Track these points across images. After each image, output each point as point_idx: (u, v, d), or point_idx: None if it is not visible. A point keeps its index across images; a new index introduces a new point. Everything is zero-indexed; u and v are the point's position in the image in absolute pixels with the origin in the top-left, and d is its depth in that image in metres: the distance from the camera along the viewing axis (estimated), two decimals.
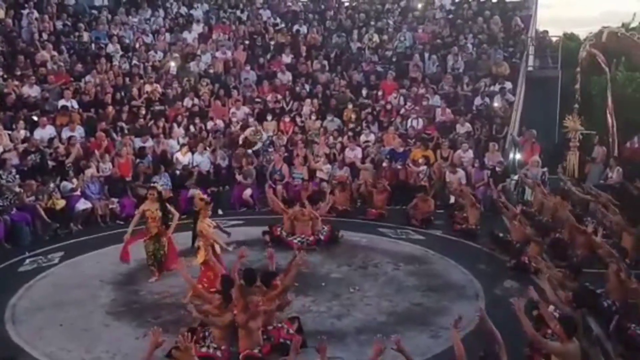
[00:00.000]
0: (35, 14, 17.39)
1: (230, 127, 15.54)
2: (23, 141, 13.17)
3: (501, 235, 10.85)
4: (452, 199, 13.53)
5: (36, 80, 15.11)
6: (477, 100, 16.33)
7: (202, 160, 14.27)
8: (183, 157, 14.16)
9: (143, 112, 15.22)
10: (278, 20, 20.52)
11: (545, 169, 13.95)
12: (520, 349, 6.53)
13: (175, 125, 15.23)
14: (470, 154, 14.41)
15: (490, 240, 10.92)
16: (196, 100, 16.23)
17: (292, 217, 11.34)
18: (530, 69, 19.23)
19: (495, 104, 15.89)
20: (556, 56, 19.82)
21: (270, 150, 14.93)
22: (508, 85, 16.68)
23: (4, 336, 7.51)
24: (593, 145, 14.84)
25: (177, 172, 13.71)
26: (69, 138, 13.57)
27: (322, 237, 11.15)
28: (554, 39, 21.09)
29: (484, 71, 17.47)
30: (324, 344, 5.29)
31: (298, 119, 16.20)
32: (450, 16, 20.44)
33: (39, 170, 12.53)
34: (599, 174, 13.96)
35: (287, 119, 15.90)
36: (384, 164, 14.34)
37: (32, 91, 14.81)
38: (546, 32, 20.66)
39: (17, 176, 11.99)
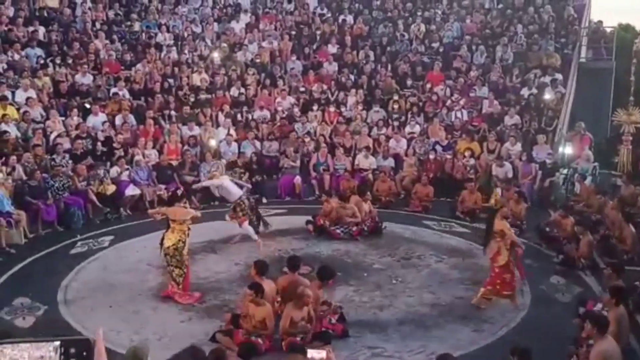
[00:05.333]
0: (89, 4, 17.85)
1: (276, 116, 15.63)
2: (76, 128, 13.58)
3: (548, 230, 10.64)
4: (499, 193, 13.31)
5: (89, 69, 15.54)
6: (525, 91, 16.00)
7: (248, 149, 14.39)
8: (229, 146, 14.32)
9: (191, 100, 15.45)
10: (325, 10, 20.48)
11: (596, 164, 13.57)
12: (564, 347, 6.43)
13: (220, 114, 15.41)
14: (518, 147, 14.10)
15: (537, 235, 10.73)
16: (242, 90, 16.40)
17: (331, 210, 11.32)
18: (582, 60, 18.68)
19: (547, 97, 15.48)
20: (610, 47, 19.17)
21: (307, 140, 14.89)
22: (559, 77, 16.26)
23: (57, 316, 7.81)
24: None
25: (224, 160, 13.89)
26: (122, 124, 13.95)
27: (366, 228, 11.16)
28: (608, 30, 20.39)
29: (534, 62, 17.06)
30: None
31: (343, 109, 16.18)
32: (500, 6, 20.01)
33: (90, 156, 12.92)
34: None
35: (331, 109, 15.90)
36: (431, 156, 14.17)
37: (85, 79, 15.24)
38: (600, 22, 19.99)
39: (70, 161, 12.40)
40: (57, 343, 1.19)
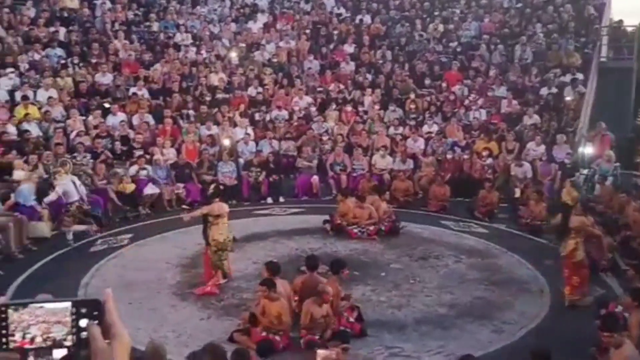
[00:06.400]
0: (108, 4, 18.02)
1: (294, 116, 15.65)
2: (95, 127, 13.71)
3: None
4: (517, 193, 13.20)
5: (108, 69, 15.69)
6: (544, 91, 15.85)
7: (265, 148, 14.40)
8: (247, 146, 14.35)
9: (208, 99, 15.53)
10: (342, 9, 20.47)
11: (617, 164, 13.40)
12: (585, 348, 6.36)
13: (237, 113, 15.44)
14: (542, 148, 13.90)
15: (557, 236, 10.60)
16: (260, 89, 16.44)
17: (348, 210, 11.30)
18: (603, 59, 18.47)
19: (568, 98, 15.30)
20: (631, 47, 18.93)
21: (325, 138, 14.88)
22: (579, 76, 16.09)
23: None
24: None
25: (241, 160, 13.94)
26: (141, 124, 14.05)
27: (383, 228, 11.13)
28: (629, 29, 20.15)
29: (554, 62, 16.91)
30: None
31: (360, 109, 16.15)
32: (519, 5, 19.86)
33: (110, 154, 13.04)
34: None
35: (348, 109, 15.88)
36: (448, 156, 14.08)
37: (104, 79, 15.39)
38: (621, 21, 19.77)
39: (91, 161, 12.52)
40: (70, 306, 1.24)
